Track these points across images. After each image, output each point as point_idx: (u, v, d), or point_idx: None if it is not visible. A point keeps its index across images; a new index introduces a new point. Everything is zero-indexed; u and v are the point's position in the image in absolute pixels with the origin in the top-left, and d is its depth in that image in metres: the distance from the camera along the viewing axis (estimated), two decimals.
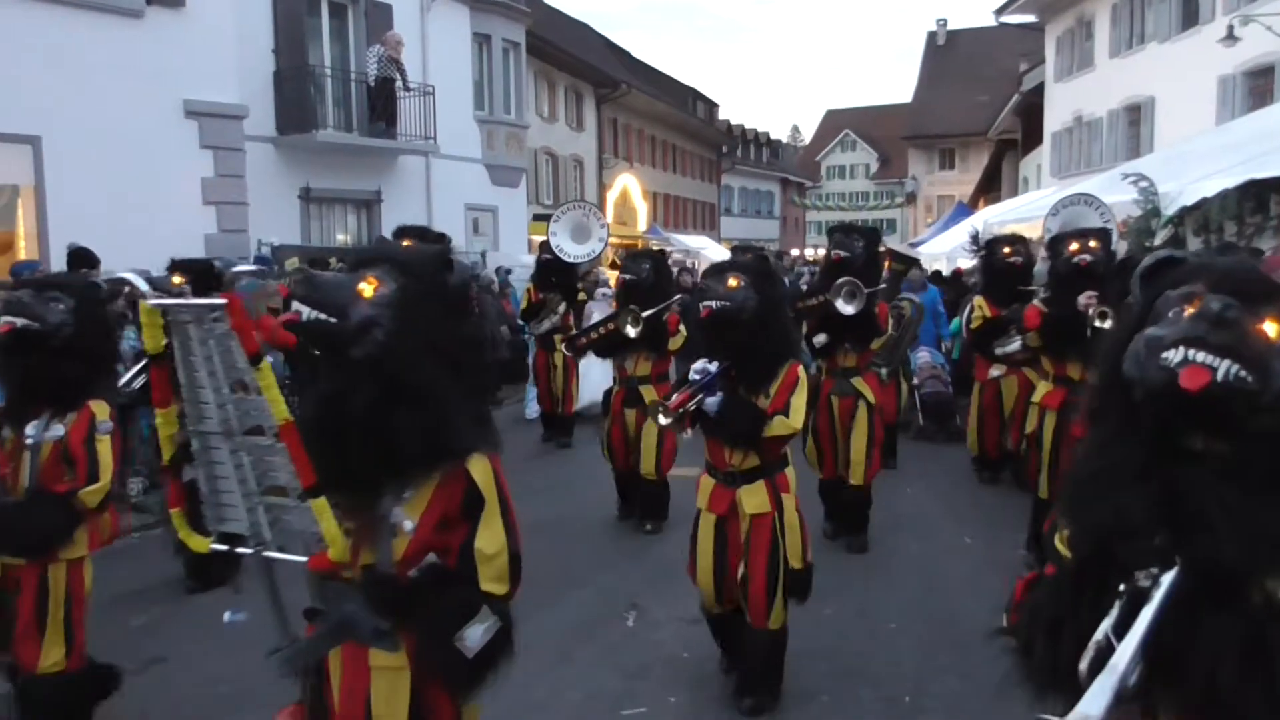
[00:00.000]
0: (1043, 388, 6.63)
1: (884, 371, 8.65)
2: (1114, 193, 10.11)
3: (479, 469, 2.46)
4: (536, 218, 25.11)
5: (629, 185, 33.32)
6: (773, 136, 62.59)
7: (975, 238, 15.09)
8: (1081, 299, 5.89)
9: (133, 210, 10.89)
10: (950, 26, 56.57)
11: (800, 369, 4.46)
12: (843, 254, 6.86)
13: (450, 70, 19.30)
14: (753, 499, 4.48)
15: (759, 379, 4.40)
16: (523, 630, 5.71)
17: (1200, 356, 1.66)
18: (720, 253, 23.51)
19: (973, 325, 8.48)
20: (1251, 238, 9.13)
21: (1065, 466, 5.92)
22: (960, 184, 47.43)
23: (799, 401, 4.36)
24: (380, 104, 16.88)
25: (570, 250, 10.47)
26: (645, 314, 7.36)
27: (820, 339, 6.97)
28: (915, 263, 9.03)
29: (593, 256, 10.95)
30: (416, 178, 18.71)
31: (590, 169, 31.45)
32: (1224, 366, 1.64)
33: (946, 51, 55.03)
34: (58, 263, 9.32)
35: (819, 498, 7.39)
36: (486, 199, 21.05)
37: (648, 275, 7.59)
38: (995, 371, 8.80)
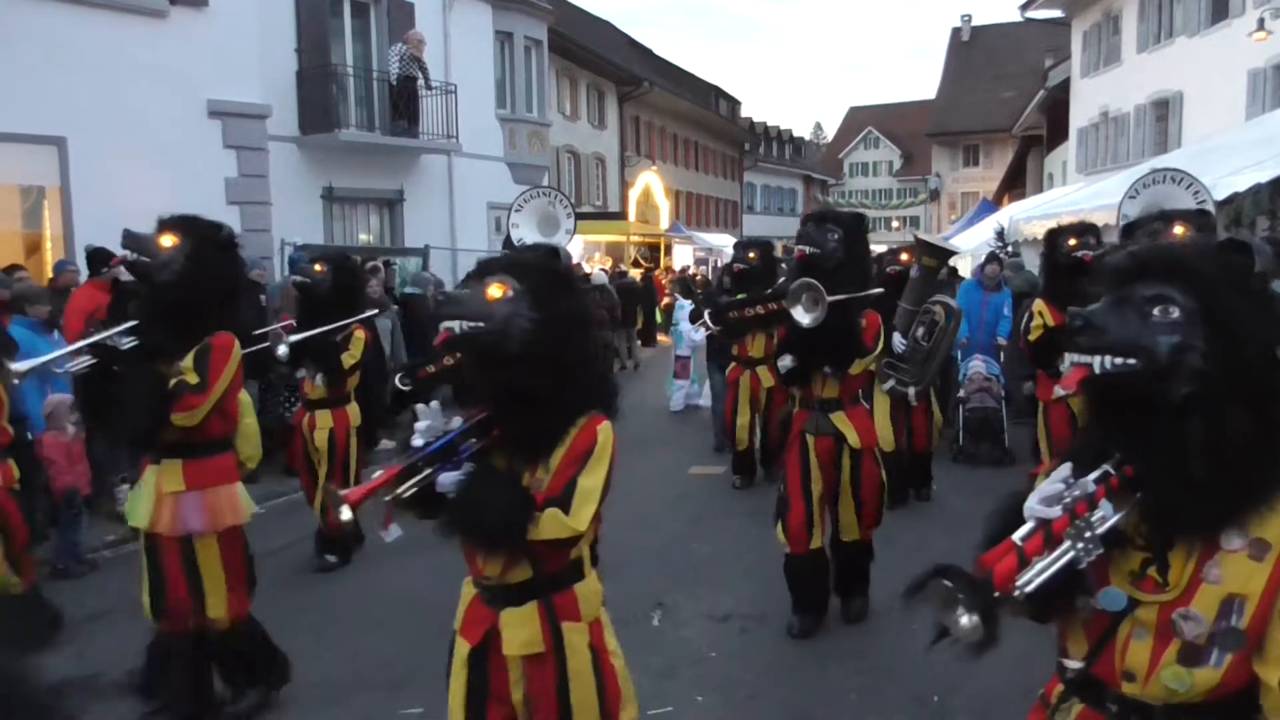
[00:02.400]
0: None
1: (912, 392, 7.49)
2: None
3: None
4: None
5: (651, 183, 33.27)
6: (795, 134, 62.48)
7: (1001, 234, 15.12)
8: None
9: (157, 210, 10.59)
10: (975, 22, 56.51)
11: (603, 428, 2.84)
12: (809, 250, 5.32)
13: (472, 68, 19.28)
14: (518, 631, 2.85)
15: (534, 443, 2.81)
16: None
17: None
18: None
19: (1031, 337, 6.82)
20: None
21: None
22: (984, 181, 47.27)
23: (591, 483, 2.76)
24: (402, 103, 16.87)
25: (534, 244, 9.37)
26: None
27: (785, 362, 5.47)
28: (950, 255, 7.34)
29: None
30: (439, 177, 18.71)
31: (612, 167, 31.43)
32: None
33: (971, 48, 54.84)
34: (83, 263, 9.35)
35: (784, 578, 5.73)
36: (509, 197, 20.82)
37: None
38: (1063, 390, 6.76)
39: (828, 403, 5.54)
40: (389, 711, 4.69)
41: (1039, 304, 6.83)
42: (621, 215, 29.82)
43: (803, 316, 5.15)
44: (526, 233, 9.22)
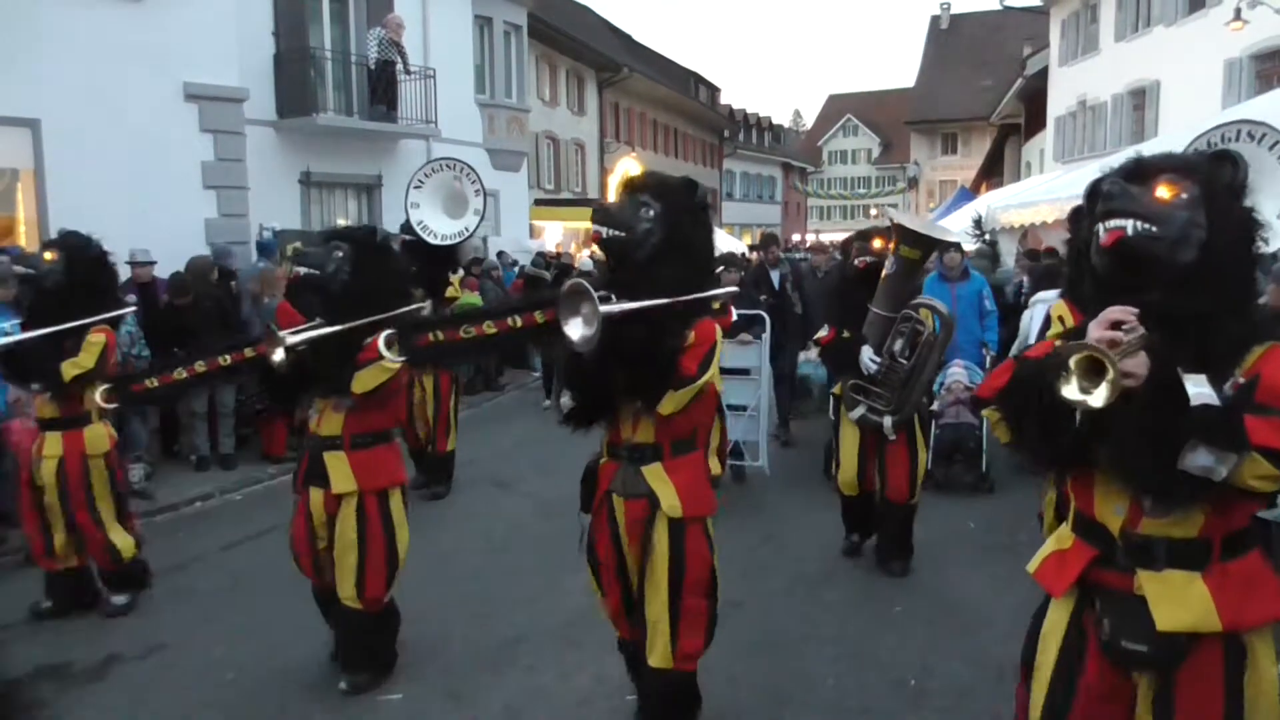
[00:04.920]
0: None
1: (889, 423, 5.96)
2: None
3: None
4: (538, 202, 25.05)
5: (630, 169, 33.21)
6: (774, 121, 62.42)
7: (978, 223, 15.20)
8: (1093, 327, 2.47)
9: (133, 194, 10.81)
10: (954, 10, 56.54)
11: None
12: (607, 232, 3.57)
13: (451, 53, 19.17)
14: None
15: None
16: (527, 617, 5.67)
17: None
18: (722, 239, 23.38)
19: None
20: None
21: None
22: (962, 169, 47.42)
23: None
24: (381, 87, 16.77)
25: (437, 228, 7.79)
26: (306, 334, 4.44)
27: (565, 400, 3.69)
28: (935, 245, 5.92)
29: (467, 235, 8.17)
30: (417, 161, 18.41)
31: (592, 153, 31.34)
32: None
33: (950, 35, 54.91)
34: None
35: None
36: (488, 183, 20.51)
37: (339, 269, 4.56)
38: None
39: (639, 450, 3.73)
40: (368, 698, 4.69)
41: (1059, 305, 5.14)
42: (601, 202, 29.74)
43: (574, 332, 3.28)
44: (428, 214, 7.78)
